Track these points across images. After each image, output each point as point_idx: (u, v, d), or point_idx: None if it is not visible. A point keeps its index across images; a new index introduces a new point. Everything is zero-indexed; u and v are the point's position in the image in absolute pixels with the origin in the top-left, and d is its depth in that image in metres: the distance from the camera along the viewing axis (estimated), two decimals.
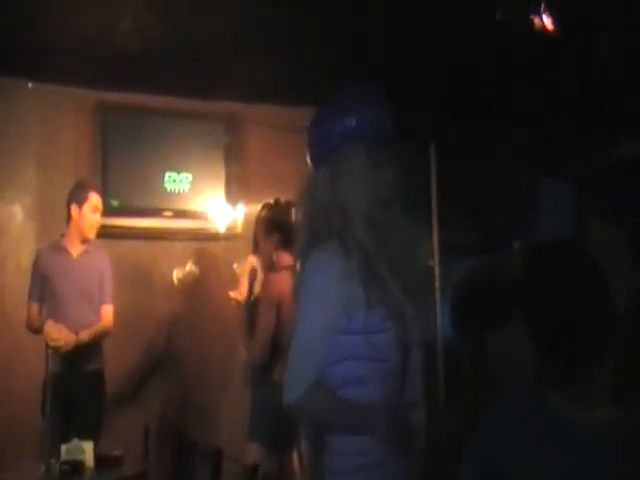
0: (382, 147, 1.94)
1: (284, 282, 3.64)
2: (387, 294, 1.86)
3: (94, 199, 4.32)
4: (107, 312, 4.32)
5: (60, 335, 4.03)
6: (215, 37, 4.28)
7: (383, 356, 1.83)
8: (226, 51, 4.43)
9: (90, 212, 4.30)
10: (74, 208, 4.28)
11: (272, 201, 4.04)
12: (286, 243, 3.76)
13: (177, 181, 5.11)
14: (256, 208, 4.16)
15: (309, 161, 2.03)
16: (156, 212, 5.06)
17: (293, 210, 2.13)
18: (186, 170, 5.12)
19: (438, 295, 5.36)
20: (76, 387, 4.13)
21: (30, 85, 4.78)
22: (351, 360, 1.82)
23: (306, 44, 4.42)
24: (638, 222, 6.32)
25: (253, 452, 3.77)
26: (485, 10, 4.02)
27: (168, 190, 5.10)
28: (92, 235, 4.33)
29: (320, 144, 1.99)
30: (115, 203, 4.90)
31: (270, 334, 3.76)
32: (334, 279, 1.80)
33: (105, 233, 4.54)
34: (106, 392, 4.32)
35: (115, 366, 4.44)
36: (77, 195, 4.30)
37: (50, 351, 3.93)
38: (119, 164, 4.96)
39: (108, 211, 4.66)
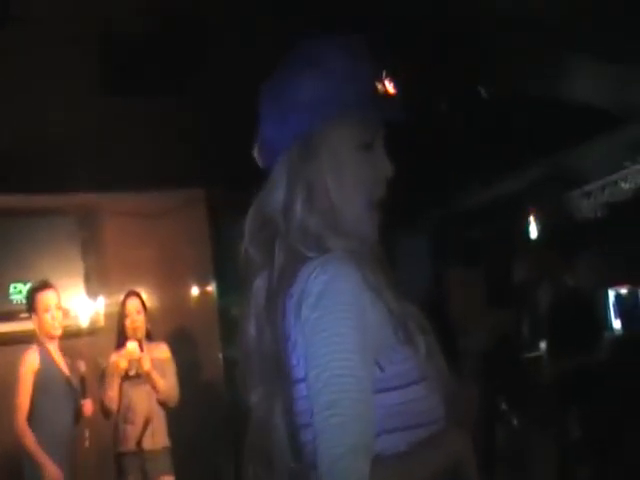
0: (372, 121, 1.29)
1: None
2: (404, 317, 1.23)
3: None
4: None
5: None
6: (61, 130, 4.23)
7: (430, 418, 1.19)
8: (74, 143, 4.38)
9: None
10: None
11: None
12: None
13: (24, 291, 4.71)
14: (118, 299, 4.07)
15: (259, 160, 1.34)
16: (9, 316, 4.80)
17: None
18: (34, 277, 4.61)
19: None
20: None
21: None
22: (384, 435, 1.13)
23: (159, 132, 4.46)
24: (491, 265, 6.68)
25: None
26: None
27: (14, 302, 4.85)
28: None
29: (279, 130, 1.26)
30: None
31: None
32: (358, 296, 1.14)
33: None
34: None
35: None
36: None
37: None
38: None
39: None
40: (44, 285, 4.25)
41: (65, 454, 3.91)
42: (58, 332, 4.16)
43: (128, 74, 3.85)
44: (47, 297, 4.20)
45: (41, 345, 4.10)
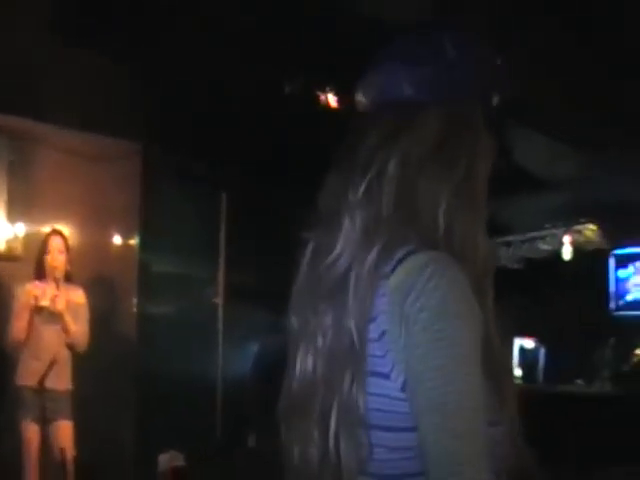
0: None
1: None
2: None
3: None
4: None
5: None
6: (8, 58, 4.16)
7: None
8: (20, 70, 4.30)
9: None
10: None
11: None
12: None
13: None
14: (39, 231, 4.01)
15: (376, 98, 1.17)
16: None
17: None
18: None
19: (221, 337, 5.46)
20: None
21: None
22: None
23: (109, 80, 4.44)
24: None
25: None
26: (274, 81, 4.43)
27: None
28: None
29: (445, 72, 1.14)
30: None
31: None
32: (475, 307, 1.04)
33: None
34: None
35: None
36: None
37: None
38: None
39: None
40: None
41: None
42: None
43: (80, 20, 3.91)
44: None
45: None
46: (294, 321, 1.19)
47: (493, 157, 1.18)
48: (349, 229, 1.10)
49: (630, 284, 6.45)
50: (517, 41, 3.94)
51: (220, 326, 5.43)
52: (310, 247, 1.19)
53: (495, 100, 1.18)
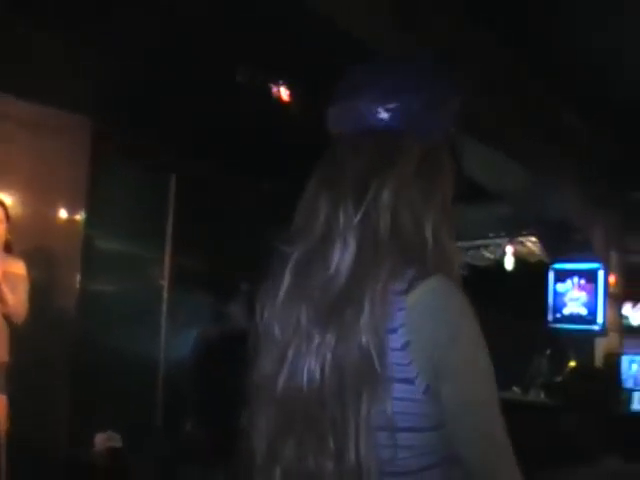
0: None
1: None
2: None
3: None
4: None
5: None
6: None
7: None
8: None
9: None
10: None
11: None
12: None
13: None
14: None
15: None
16: None
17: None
18: None
19: (164, 318, 5.37)
20: None
21: None
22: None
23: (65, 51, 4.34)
24: None
25: None
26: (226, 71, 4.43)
27: None
28: None
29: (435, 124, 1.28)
30: None
31: None
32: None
33: None
34: None
35: None
36: None
37: None
38: None
39: None
40: None
41: None
42: None
43: None
44: None
45: None
46: (277, 330, 1.23)
47: (455, 172, 1.32)
48: (343, 249, 1.19)
49: (567, 298, 6.61)
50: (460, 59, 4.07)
51: (164, 308, 5.34)
52: (294, 258, 1.25)
53: (456, 123, 1.33)
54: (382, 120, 1.24)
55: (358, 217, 1.20)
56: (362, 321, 1.14)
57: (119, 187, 5.15)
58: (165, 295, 5.37)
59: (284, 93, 4.77)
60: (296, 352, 1.20)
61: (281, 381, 1.21)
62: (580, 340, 6.32)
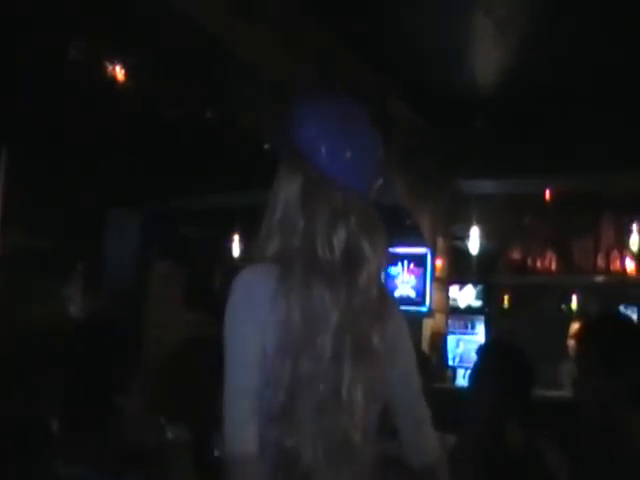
0: None
1: None
2: None
3: None
4: None
5: None
6: None
7: None
8: None
9: None
10: None
11: None
12: None
13: None
14: None
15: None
16: None
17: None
18: None
19: None
20: None
21: None
22: None
23: None
24: (192, 265, 6.92)
25: None
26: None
27: None
28: None
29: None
30: None
31: None
32: None
33: None
34: None
35: None
36: None
37: None
38: None
39: None
40: None
41: None
42: None
43: None
44: None
45: None
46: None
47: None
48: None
49: (399, 281, 6.92)
50: None
51: None
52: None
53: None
54: None
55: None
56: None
57: None
58: None
59: (120, 73, 4.66)
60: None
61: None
62: (409, 320, 6.60)
